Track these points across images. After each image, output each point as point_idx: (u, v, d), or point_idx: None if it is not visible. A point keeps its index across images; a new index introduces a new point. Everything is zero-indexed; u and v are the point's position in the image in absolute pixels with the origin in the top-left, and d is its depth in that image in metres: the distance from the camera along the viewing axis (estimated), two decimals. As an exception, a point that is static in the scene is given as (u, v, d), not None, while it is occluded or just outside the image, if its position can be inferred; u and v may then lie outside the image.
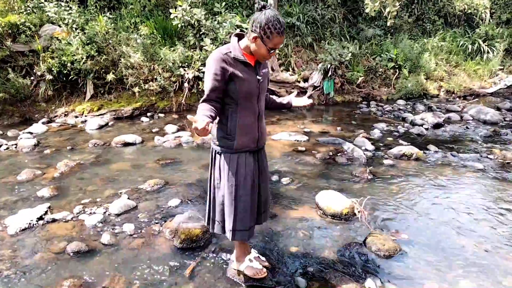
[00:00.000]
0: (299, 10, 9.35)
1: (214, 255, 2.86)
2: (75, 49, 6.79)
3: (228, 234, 2.32)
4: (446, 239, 3.13)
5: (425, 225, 3.34)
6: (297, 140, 5.64)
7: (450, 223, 3.37)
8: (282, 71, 8.31)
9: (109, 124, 6.52)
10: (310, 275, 2.65)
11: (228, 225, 2.30)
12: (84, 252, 2.86)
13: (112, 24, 7.74)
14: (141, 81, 7.21)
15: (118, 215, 3.42)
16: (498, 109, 7.89)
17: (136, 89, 7.09)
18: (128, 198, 3.71)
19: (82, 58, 6.77)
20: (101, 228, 3.21)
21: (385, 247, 2.91)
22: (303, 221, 3.36)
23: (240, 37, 2.17)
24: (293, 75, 8.25)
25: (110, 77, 6.89)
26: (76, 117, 6.77)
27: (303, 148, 5.26)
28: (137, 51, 7.37)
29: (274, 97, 2.60)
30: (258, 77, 2.16)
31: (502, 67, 10.36)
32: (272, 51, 2.04)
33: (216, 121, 2.19)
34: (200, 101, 2.08)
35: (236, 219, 2.26)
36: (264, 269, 2.59)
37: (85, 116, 6.78)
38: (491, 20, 11.09)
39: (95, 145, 5.33)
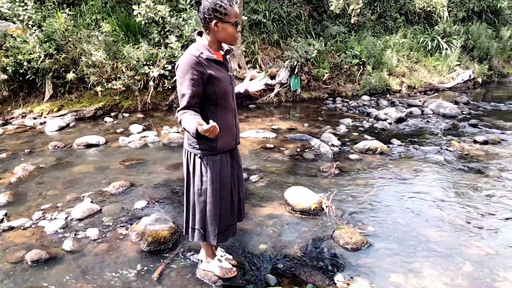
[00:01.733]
0: (265, 7, 9.36)
1: (183, 256, 2.81)
2: (32, 47, 6.46)
3: (214, 240, 2.27)
4: (410, 229, 3.23)
5: (390, 217, 3.44)
6: (266, 137, 5.64)
7: (414, 214, 3.48)
8: (249, 68, 8.29)
9: (70, 125, 6.26)
10: (280, 271, 2.66)
11: (213, 230, 2.25)
12: (45, 260, 2.73)
13: (72, 21, 7.42)
14: (103, 80, 6.97)
15: (81, 219, 3.28)
16: (456, 103, 8.24)
17: (98, 89, 6.84)
18: (92, 202, 3.57)
19: (40, 57, 6.46)
20: (63, 234, 3.07)
21: (352, 240, 2.96)
22: (272, 218, 3.36)
23: (200, 35, 2.12)
24: (260, 72, 8.26)
25: (70, 76, 6.61)
26: (35, 118, 6.45)
27: (272, 145, 5.28)
28: (99, 49, 7.11)
29: None
30: (229, 73, 2.15)
31: (459, 63, 10.83)
32: (237, 27, 2.01)
33: None
34: (179, 109, 2.00)
35: (220, 221, 2.24)
36: (234, 268, 2.57)
37: (44, 117, 6.48)
38: (448, 18, 11.56)
39: (56, 147, 5.10)
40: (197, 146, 2.12)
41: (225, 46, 2.16)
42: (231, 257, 2.70)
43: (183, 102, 1.98)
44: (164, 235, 2.94)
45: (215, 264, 2.55)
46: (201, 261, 2.63)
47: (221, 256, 2.63)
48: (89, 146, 5.18)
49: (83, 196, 3.72)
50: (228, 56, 2.20)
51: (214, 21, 1.95)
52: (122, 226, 3.19)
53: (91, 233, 3.07)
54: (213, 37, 2.03)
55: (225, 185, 2.22)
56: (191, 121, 1.88)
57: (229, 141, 2.18)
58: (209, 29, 1.99)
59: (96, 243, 2.97)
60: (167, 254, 2.83)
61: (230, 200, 2.28)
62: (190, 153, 2.17)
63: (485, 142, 5.48)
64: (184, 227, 2.39)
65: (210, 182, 2.16)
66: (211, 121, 1.78)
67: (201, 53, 1.98)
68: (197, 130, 1.82)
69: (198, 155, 2.14)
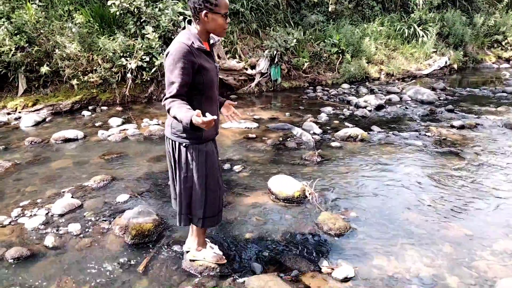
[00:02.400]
0: (243, -4, 9.27)
1: (168, 248, 2.80)
2: (2, 40, 6.21)
3: (198, 223, 2.33)
4: (391, 213, 3.31)
5: (372, 202, 3.51)
6: (248, 127, 5.64)
7: (395, 198, 3.57)
8: (229, 58, 8.22)
9: (47, 119, 6.08)
10: (265, 259, 2.69)
11: (199, 214, 2.29)
12: (26, 257, 2.67)
13: (43, 12, 7.16)
14: (79, 72, 6.77)
15: (62, 215, 3.22)
16: (433, 89, 8.42)
17: (74, 82, 6.65)
18: (72, 197, 3.50)
19: (11, 50, 6.21)
20: (44, 231, 3.00)
21: (335, 226, 3.01)
22: (256, 207, 3.38)
23: (190, 23, 2.11)
24: (240, 62, 8.21)
25: (44, 69, 6.40)
26: (9, 114, 6.23)
27: (254, 135, 5.28)
28: (73, 41, 6.90)
29: None
30: (215, 64, 2.16)
31: (435, 50, 11.03)
32: (227, 18, 2.03)
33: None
34: (167, 97, 1.97)
35: (206, 207, 2.27)
36: (223, 256, 2.59)
37: (19, 112, 6.27)
38: (424, 5, 11.72)
39: (32, 143, 4.95)
40: (183, 135, 2.11)
41: (214, 38, 2.17)
42: (216, 246, 2.71)
43: (171, 90, 1.95)
44: (148, 227, 2.92)
45: (207, 251, 2.57)
46: (187, 252, 2.63)
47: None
48: (67, 140, 5.05)
49: (63, 192, 3.64)
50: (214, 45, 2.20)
51: (204, 11, 1.95)
52: (105, 220, 3.15)
53: (73, 228, 3.02)
54: (203, 27, 2.03)
55: (213, 172, 2.24)
56: (184, 111, 1.87)
57: (212, 130, 2.17)
58: (199, 19, 1.99)
59: (79, 238, 2.92)
60: (152, 247, 2.81)
61: (218, 189, 2.32)
62: (174, 142, 2.15)
63: (462, 127, 5.63)
64: (178, 217, 2.37)
65: (196, 170, 2.17)
66: (208, 114, 1.79)
67: (192, 42, 1.97)
68: (191, 121, 1.81)
69: (184, 144, 2.13)
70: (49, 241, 2.84)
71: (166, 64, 1.98)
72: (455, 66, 11.09)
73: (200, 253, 2.56)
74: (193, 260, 2.56)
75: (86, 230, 3.02)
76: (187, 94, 2.02)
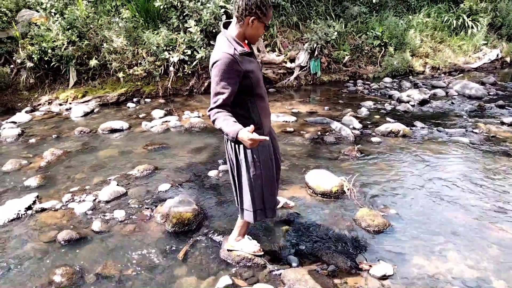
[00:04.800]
0: (284, -11, 9.20)
1: (206, 237, 2.88)
2: (55, 34, 6.58)
3: (270, 214, 2.41)
4: (433, 212, 3.20)
5: (413, 199, 3.41)
6: (286, 121, 5.63)
7: (437, 197, 3.44)
8: (268, 52, 8.22)
9: (95, 111, 6.41)
10: (302, 253, 2.70)
11: (270, 206, 2.39)
12: (75, 240, 2.85)
13: (93, 8, 7.50)
14: (125, 66, 7.06)
15: (108, 202, 3.40)
16: (483, 83, 7.97)
17: (120, 75, 6.95)
18: (118, 185, 3.68)
19: (63, 44, 6.58)
20: (92, 216, 3.19)
21: (374, 223, 2.96)
22: (293, 200, 3.38)
23: (225, 27, 2.14)
24: (279, 55, 8.18)
25: (93, 62, 6.73)
26: (60, 104, 6.63)
27: (292, 129, 5.27)
28: (119, 35, 7.19)
29: None
30: (257, 60, 2.20)
31: (486, 42, 10.41)
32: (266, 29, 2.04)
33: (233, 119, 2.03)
34: (212, 107, 2.00)
35: (264, 198, 2.34)
36: (260, 248, 2.64)
37: (70, 103, 6.64)
38: (475, -5, 11.07)
39: (81, 132, 5.24)
40: None
41: None
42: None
43: (217, 101, 1.99)
44: (188, 216, 3.02)
45: (246, 242, 2.63)
46: (225, 242, 2.70)
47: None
48: (113, 131, 5.30)
49: (109, 179, 3.83)
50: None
51: (252, 17, 1.99)
52: (147, 208, 3.29)
53: (118, 214, 3.18)
54: (242, 31, 2.06)
55: (271, 167, 2.32)
56: (231, 124, 1.93)
57: (268, 124, 2.30)
58: (243, 22, 2.02)
59: (123, 224, 3.07)
60: (191, 235, 2.91)
61: (275, 181, 2.40)
62: (235, 143, 2.19)
63: (513, 124, 5.31)
64: (243, 213, 2.43)
65: (264, 165, 2.24)
66: (255, 134, 1.87)
67: (235, 49, 1.99)
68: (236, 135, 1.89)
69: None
70: (96, 225, 3.01)
71: (212, 75, 2.01)
72: (508, 59, 10.40)
73: (238, 244, 2.62)
74: (231, 250, 2.63)
75: (130, 216, 3.17)
76: (240, 99, 2.08)
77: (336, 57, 8.70)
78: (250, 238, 2.71)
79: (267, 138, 1.90)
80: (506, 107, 6.24)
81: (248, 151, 2.19)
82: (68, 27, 6.76)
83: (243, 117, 2.11)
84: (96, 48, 7.05)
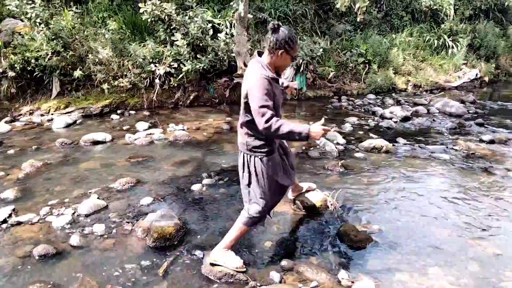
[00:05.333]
0: (271, 5, 9.34)
1: (188, 253, 2.83)
2: (40, 44, 6.51)
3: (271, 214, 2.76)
4: (415, 228, 3.23)
5: (395, 215, 3.44)
6: (271, 135, 5.64)
7: (419, 213, 3.48)
8: (254, 66, 8.29)
9: (77, 122, 6.31)
10: (284, 268, 2.67)
11: (271, 208, 2.71)
12: (52, 255, 2.76)
13: (79, 19, 7.47)
14: (110, 77, 7.00)
15: (87, 215, 3.32)
16: (463, 102, 8.19)
17: (105, 86, 6.88)
18: (98, 198, 3.60)
19: (47, 54, 6.50)
20: (70, 230, 3.11)
21: (357, 239, 2.97)
22: (277, 215, 3.37)
23: (259, 55, 2.46)
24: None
25: (77, 73, 6.65)
26: (42, 115, 6.50)
27: (277, 143, 5.27)
28: (105, 46, 7.15)
29: None
30: (281, 88, 2.62)
31: (465, 62, 10.75)
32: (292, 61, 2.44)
33: (249, 133, 2.46)
34: (268, 118, 2.22)
35: (272, 204, 2.67)
36: (243, 264, 2.61)
37: (52, 114, 6.53)
38: (455, 16, 11.46)
39: (63, 144, 5.14)
40: (259, 150, 2.47)
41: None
42: None
43: (266, 113, 2.23)
44: (170, 231, 2.97)
45: (230, 256, 2.63)
46: (208, 256, 2.66)
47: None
48: (95, 143, 5.22)
49: (89, 192, 3.75)
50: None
51: (282, 50, 2.31)
52: (128, 222, 3.22)
53: (97, 228, 3.10)
54: (272, 61, 2.38)
55: (280, 177, 2.62)
56: (299, 125, 2.27)
57: (278, 140, 2.62)
58: (274, 54, 2.33)
59: (103, 239, 3.00)
60: (173, 251, 2.85)
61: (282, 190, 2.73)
62: (251, 156, 2.50)
63: (492, 141, 5.45)
64: (248, 219, 2.62)
65: (266, 177, 2.52)
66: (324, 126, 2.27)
67: (268, 74, 2.31)
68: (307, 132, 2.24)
69: (259, 157, 2.47)
70: (74, 240, 2.93)
71: (253, 94, 2.27)
72: (486, 78, 10.77)
73: (222, 257, 2.58)
74: (214, 265, 2.59)
75: (110, 231, 3.10)
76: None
77: (321, 73, 8.84)
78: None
79: (329, 129, 2.31)
80: (485, 125, 6.41)
81: (258, 164, 2.49)
82: (53, 37, 6.69)
83: (260, 134, 2.40)
84: (81, 59, 6.99)
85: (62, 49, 6.71)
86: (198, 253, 2.82)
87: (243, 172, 2.58)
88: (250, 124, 2.41)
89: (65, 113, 6.55)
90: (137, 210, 3.44)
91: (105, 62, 7.04)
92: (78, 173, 4.25)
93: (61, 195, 3.71)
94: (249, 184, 2.57)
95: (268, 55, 2.37)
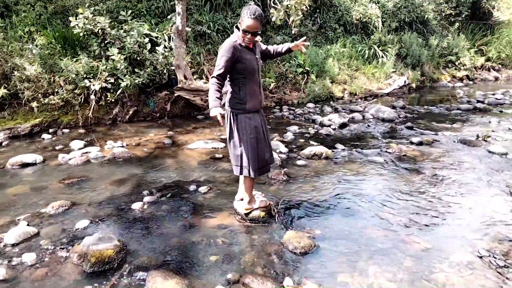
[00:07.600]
0: (209, 18, 9.39)
1: (129, 275, 2.71)
2: (-44, 61, 5.97)
3: (253, 174, 3.16)
4: (355, 230, 3.36)
5: (336, 219, 3.56)
6: (214, 148, 5.62)
7: (358, 215, 3.64)
8: (195, 79, 8.24)
9: (3, 144, 5.82)
10: (230, 282, 2.65)
11: (254, 166, 3.15)
12: (-27, 292, 2.50)
13: (1, 33, 6.96)
14: (39, 95, 6.57)
15: (15, 244, 3.05)
16: (394, 107, 8.76)
17: (34, 104, 6.43)
18: (28, 225, 3.33)
19: (-35, 72, 5.98)
20: (-5, 262, 2.84)
21: (300, 245, 3.03)
22: (222, 228, 3.35)
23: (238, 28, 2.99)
24: (206, 83, 8.24)
25: (1, 92, 6.17)
26: (-38, 138, 5.93)
27: (220, 155, 5.27)
28: (33, 62, 6.72)
29: (274, 46, 3.47)
30: (256, 56, 3.09)
31: (394, 70, 11.55)
32: (247, 34, 2.89)
33: (229, 91, 3.05)
34: (214, 75, 2.91)
35: (258, 160, 3.16)
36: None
37: (-27, 137, 5.97)
38: (383, 28, 12.31)
39: (-14, 169, 4.71)
40: (235, 107, 3.06)
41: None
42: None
43: (217, 71, 2.92)
44: (109, 254, 2.82)
45: (257, 201, 3.50)
46: (238, 207, 3.54)
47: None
48: (24, 165, 4.85)
49: (18, 220, 3.46)
50: (256, 44, 3.16)
51: (237, 24, 2.96)
52: (63, 248, 3.01)
53: (27, 258, 2.86)
54: (239, 33, 2.98)
55: (259, 135, 3.13)
56: (214, 99, 2.89)
57: (255, 104, 3.10)
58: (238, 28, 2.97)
59: (34, 269, 2.77)
60: (113, 274, 2.71)
61: (264, 146, 3.19)
62: (231, 112, 3.06)
63: (420, 143, 5.87)
64: (233, 168, 3.30)
65: (248, 132, 3.06)
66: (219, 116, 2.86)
67: (236, 40, 2.94)
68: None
69: (235, 113, 3.06)
70: (0, 273, 2.68)
71: (218, 53, 2.93)
72: (414, 85, 11.64)
73: (253, 204, 3.46)
74: (248, 214, 3.44)
75: (42, 259, 2.88)
76: (235, 77, 3.00)
77: (262, 84, 9.00)
78: (259, 196, 3.61)
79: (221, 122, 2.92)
80: (414, 128, 6.90)
81: (234, 120, 3.06)
82: (-29, 53, 6.17)
83: (234, 92, 3.04)
84: (5, 76, 6.50)
85: (-17, 66, 6.20)
86: (141, 274, 2.71)
87: (227, 127, 3.19)
88: (231, 80, 3.06)
89: (-11, 135, 6.02)
90: (72, 235, 3.23)
91: (34, 79, 6.61)
92: (5, 199, 3.91)
93: (-15, 225, 3.39)
94: (230, 137, 3.17)
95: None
